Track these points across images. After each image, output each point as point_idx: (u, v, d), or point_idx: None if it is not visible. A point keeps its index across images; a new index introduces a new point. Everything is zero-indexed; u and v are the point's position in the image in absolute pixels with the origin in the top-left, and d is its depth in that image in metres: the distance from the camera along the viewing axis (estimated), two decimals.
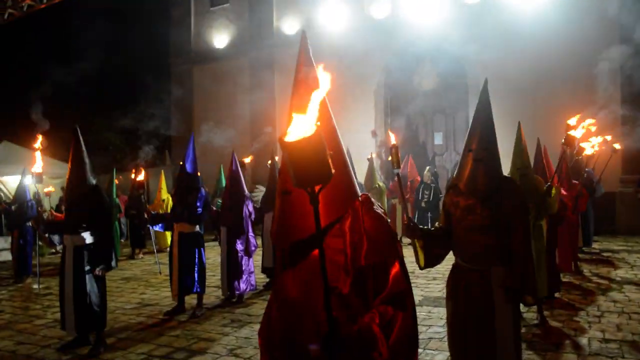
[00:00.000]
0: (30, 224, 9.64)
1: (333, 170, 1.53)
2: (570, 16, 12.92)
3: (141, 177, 7.57)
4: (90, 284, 5.28)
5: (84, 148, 5.53)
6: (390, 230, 1.90)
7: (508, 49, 13.36)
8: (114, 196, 11.94)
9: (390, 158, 3.14)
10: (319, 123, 1.52)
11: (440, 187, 12.58)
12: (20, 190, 10.14)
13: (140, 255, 12.53)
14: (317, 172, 1.49)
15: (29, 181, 10.24)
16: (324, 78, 1.76)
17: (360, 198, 1.93)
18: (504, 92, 10.96)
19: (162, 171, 13.30)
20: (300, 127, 1.51)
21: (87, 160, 5.51)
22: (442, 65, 14.63)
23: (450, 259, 3.58)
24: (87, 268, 5.26)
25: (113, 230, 5.52)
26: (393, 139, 3.06)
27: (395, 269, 1.84)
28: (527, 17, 13.24)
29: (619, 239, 12.03)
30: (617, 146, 9.70)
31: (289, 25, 17.63)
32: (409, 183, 12.35)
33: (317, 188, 1.53)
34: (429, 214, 11.74)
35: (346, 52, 13.77)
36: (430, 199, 11.91)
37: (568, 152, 9.60)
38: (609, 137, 9.30)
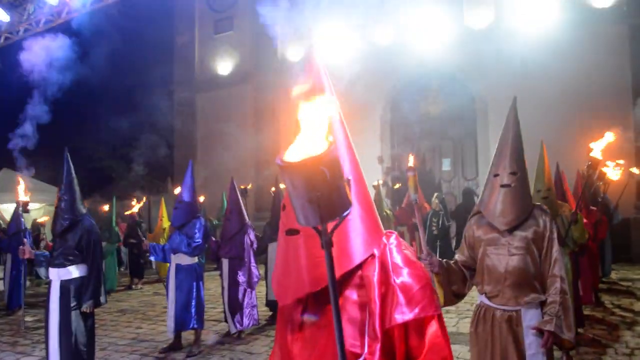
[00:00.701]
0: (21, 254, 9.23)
1: (351, 201, 1.17)
2: (578, 40, 12.68)
3: (135, 208, 7.21)
4: (76, 322, 4.87)
5: (74, 173, 5.18)
6: (427, 278, 1.51)
7: (516, 74, 13.09)
8: (113, 224, 11.62)
9: (408, 183, 2.77)
10: (331, 138, 1.14)
11: (448, 214, 12.23)
12: (16, 218, 9.78)
13: (139, 286, 12.10)
14: (330, 204, 1.11)
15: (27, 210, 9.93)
16: (332, 89, 1.40)
17: (385, 236, 1.54)
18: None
19: (163, 199, 12.92)
20: (306, 144, 1.14)
21: (76, 187, 5.15)
22: (449, 90, 14.41)
23: (471, 295, 3.19)
24: (73, 304, 4.86)
25: (102, 263, 5.09)
26: (411, 162, 2.69)
27: (433, 328, 1.45)
28: (534, 42, 13.03)
29: (636, 267, 11.55)
30: (636, 170, 9.32)
31: (292, 53, 17.49)
32: (415, 211, 11.93)
33: (330, 226, 1.15)
34: (438, 242, 11.31)
35: (351, 79, 13.50)
36: (439, 226, 11.52)
37: (592, 176, 9.26)
38: (621, 162, 8.91)
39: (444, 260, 3.18)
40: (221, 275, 7.41)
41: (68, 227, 4.99)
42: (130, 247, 12.17)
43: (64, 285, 4.91)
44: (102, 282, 5.02)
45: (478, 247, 3.15)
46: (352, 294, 1.44)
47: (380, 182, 12.89)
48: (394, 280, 1.44)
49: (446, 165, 15.67)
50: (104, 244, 11.15)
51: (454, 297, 3.14)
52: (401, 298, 1.41)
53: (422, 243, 3.11)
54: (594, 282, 7.78)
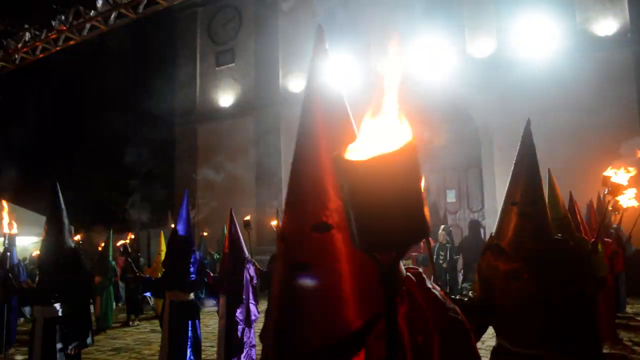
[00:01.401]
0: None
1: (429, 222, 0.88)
2: (583, 68, 12.56)
3: (121, 241, 6.93)
4: None
5: (63, 206, 4.93)
6: (463, 323, 1.24)
7: (520, 102, 12.90)
8: (110, 258, 11.30)
9: None
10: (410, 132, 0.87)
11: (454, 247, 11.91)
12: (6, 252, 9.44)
13: (136, 322, 11.69)
14: (412, 220, 0.82)
15: (15, 243, 9.62)
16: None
17: (410, 274, 1.25)
18: (517, 149, 10.38)
19: (162, 232, 12.60)
20: (378, 138, 0.86)
21: (65, 220, 4.89)
22: (453, 121, 14.22)
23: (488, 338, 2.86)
24: (59, 346, 4.52)
25: (90, 302, 4.77)
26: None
27: None
28: (538, 71, 12.92)
29: None
30: None
31: (294, 84, 17.42)
32: (422, 244, 11.62)
33: (394, 254, 0.85)
34: (447, 276, 10.96)
35: (354, 109, 13.33)
36: (447, 259, 11.17)
37: (590, 206, 8.96)
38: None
39: (457, 297, 2.87)
40: (219, 312, 7.04)
41: (55, 262, 4.70)
42: (128, 282, 11.80)
43: (49, 323, 4.59)
44: (89, 321, 4.68)
45: (495, 284, 2.84)
46: (377, 347, 1.13)
47: None
48: (427, 324, 1.17)
49: (451, 197, 15.38)
50: (99, 279, 10.84)
51: None
52: (439, 348, 1.16)
53: (434, 280, 2.79)
54: (611, 319, 7.40)
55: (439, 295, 1.22)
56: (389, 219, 0.79)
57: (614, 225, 8.75)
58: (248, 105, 18.25)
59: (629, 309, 10.00)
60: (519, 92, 12.99)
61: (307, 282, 1.14)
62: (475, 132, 14.40)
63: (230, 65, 19.16)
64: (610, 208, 8.19)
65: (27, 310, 4.94)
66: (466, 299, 2.94)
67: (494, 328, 2.84)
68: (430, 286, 1.23)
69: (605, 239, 7.62)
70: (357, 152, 0.83)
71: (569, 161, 11.96)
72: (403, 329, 1.13)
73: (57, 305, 4.58)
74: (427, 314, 1.16)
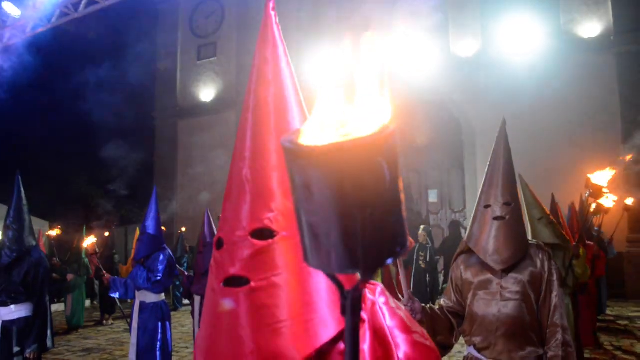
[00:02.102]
0: None
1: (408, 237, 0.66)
2: (566, 69, 12.56)
3: (89, 240, 6.67)
4: None
5: (24, 201, 4.65)
6: (431, 349, 1.05)
7: (503, 103, 12.83)
8: (83, 256, 10.96)
9: None
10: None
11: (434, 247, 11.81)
12: None
13: (110, 322, 11.38)
14: (383, 233, 0.60)
15: None
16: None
17: (368, 290, 1.06)
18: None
19: (137, 228, 12.28)
20: (345, 116, 0.64)
21: (27, 215, 4.62)
22: (436, 119, 14.13)
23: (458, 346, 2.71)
24: (15, 350, 4.26)
25: (48, 302, 4.50)
26: None
27: None
28: (523, 71, 12.89)
29: (631, 304, 11.12)
30: (630, 201, 8.97)
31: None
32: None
33: (361, 276, 0.64)
34: (427, 277, 10.80)
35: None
36: (427, 259, 11.00)
37: (572, 209, 8.89)
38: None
39: (428, 306, 2.72)
40: (192, 313, 6.80)
41: (14, 260, 4.43)
42: (101, 280, 11.47)
43: (6, 326, 4.32)
44: (49, 323, 4.43)
45: (467, 291, 2.72)
46: None
47: None
48: (398, 356, 0.98)
49: (433, 196, 15.27)
50: (72, 276, 10.52)
51: (440, 349, 2.66)
52: None
53: (404, 286, 2.62)
54: (592, 323, 7.32)
55: (404, 317, 1.03)
56: (357, 229, 0.58)
57: (596, 228, 8.69)
58: (230, 99, 17.97)
59: (609, 312, 9.98)
60: (502, 92, 12.93)
61: (241, 301, 0.94)
62: (458, 132, 14.31)
63: (212, 59, 18.84)
64: (592, 210, 8.14)
65: None
66: (437, 307, 2.80)
67: (464, 335, 2.72)
68: (394, 305, 1.04)
69: (587, 242, 7.53)
70: (317, 135, 0.61)
71: (551, 162, 11.95)
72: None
73: (16, 306, 4.31)
74: (388, 341, 0.96)
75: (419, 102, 14.03)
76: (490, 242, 2.61)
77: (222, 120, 17.87)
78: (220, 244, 0.99)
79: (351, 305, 0.64)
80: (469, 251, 2.78)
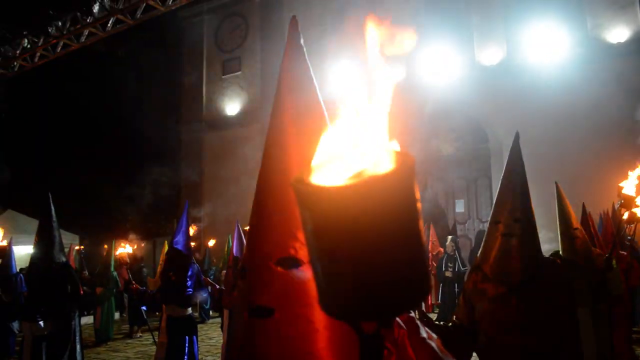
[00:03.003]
0: None
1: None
2: (594, 76, 12.31)
3: (122, 250, 6.73)
4: None
5: (54, 218, 4.74)
6: None
7: (530, 111, 12.68)
8: (112, 269, 11.11)
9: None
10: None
11: (464, 257, 11.64)
12: (6, 262, 9.28)
13: (139, 334, 11.47)
14: (401, 278, 0.57)
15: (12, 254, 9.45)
16: None
17: (398, 319, 1.02)
18: (528, 157, 10.11)
19: (166, 242, 12.41)
20: (358, 155, 0.62)
21: (56, 233, 4.70)
22: (462, 129, 14.01)
23: None
24: None
25: (77, 318, 4.55)
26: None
27: None
28: (549, 78, 12.68)
29: None
30: None
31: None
32: (431, 255, 11.36)
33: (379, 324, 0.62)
34: (456, 286, 10.66)
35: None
36: (456, 270, 10.86)
37: (606, 218, 8.69)
38: None
39: (442, 322, 2.66)
40: (222, 327, 6.82)
41: (44, 276, 4.51)
42: (130, 293, 11.59)
43: (36, 341, 4.39)
44: (79, 338, 4.47)
45: (480, 309, 2.65)
46: None
47: None
48: None
49: (459, 206, 15.09)
50: (101, 289, 10.66)
51: None
52: None
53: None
54: (628, 334, 7.09)
55: (435, 348, 0.99)
56: (374, 276, 0.55)
57: (629, 237, 8.45)
58: (254, 113, 18.11)
59: None
60: (528, 100, 12.75)
61: (269, 331, 0.92)
62: (484, 141, 14.16)
63: (236, 73, 19.05)
64: (624, 218, 7.94)
65: (15, 325, 4.71)
66: (450, 325, 2.73)
67: (478, 354, 2.64)
68: (425, 336, 1.01)
69: (620, 252, 7.34)
70: (329, 173, 0.58)
71: (582, 171, 11.69)
72: None
73: (42, 323, 4.38)
74: None
75: (444, 112, 13.94)
76: (498, 260, 2.57)
77: (247, 133, 18.01)
78: (244, 274, 0.98)
79: (368, 352, 0.62)
80: (480, 268, 2.73)
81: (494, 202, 2.77)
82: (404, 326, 0.98)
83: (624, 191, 4.72)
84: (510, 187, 2.68)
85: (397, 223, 0.55)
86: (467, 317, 2.71)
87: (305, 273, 0.89)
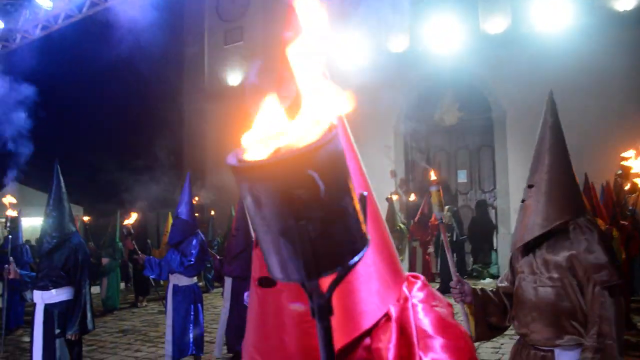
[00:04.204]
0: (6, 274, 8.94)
1: (368, 234, 0.69)
2: (600, 45, 12.18)
3: (129, 220, 6.83)
4: (60, 350, 4.45)
5: (64, 189, 4.80)
6: (472, 351, 1.01)
7: (534, 81, 12.57)
8: (117, 240, 11.26)
9: (432, 200, 2.35)
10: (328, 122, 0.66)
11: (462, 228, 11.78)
12: (15, 233, 9.38)
13: (144, 303, 11.68)
14: (327, 241, 0.62)
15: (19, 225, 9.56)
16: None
17: (407, 284, 1.03)
18: (531, 127, 10.10)
19: (170, 213, 12.52)
20: (285, 130, 0.67)
21: (66, 203, 4.77)
22: (465, 99, 13.94)
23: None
24: (57, 331, 4.43)
25: (88, 286, 4.65)
26: (433, 176, 2.26)
27: None
28: (553, 48, 12.53)
29: None
30: None
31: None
32: (431, 224, 11.44)
33: (329, 279, 0.66)
34: (455, 256, 10.79)
35: (363, 87, 13.03)
36: (454, 239, 10.93)
37: (624, 187, 8.72)
38: None
39: (480, 287, 2.72)
40: (223, 294, 6.94)
41: (55, 246, 4.60)
42: (135, 263, 11.77)
43: (48, 309, 4.51)
44: (89, 306, 4.58)
45: (518, 272, 2.70)
46: None
47: (395, 196, 12.39)
48: (421, 357, 0.95)
49: (462, 177, 15.11)
50: (107, 260, 10.82)
51: (490, 330, 2.67)
52: None
53: (452, 269, 2.63)
54: (626, 304, 7.21)
55: (443, 314, 0.99)
56: (296, 240, 0.61)
57: (630, 208, 8.51)
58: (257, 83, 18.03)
59: None
60: (533, 70, 12.65)
61: (277, 299, 0.96)
62: (487, 111, 14.09)
63: (238, 43, 18.88)
64: (626, 189, 7.99)
65: (27, 295, 4.81)
66: (492, 289, 2.80)
67: (512, 320, 2.70)
68: (435, 302, 1.01)
69: (622, 222, 7.41)
70: (259, 149, 0.64)
71: (586, 140, 11.65)
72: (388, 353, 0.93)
73: (56, 291, 4.48)
74: (418, 339, 0.94)
75: (447, 82, 13.86)
76: (526, 218, 2.62)
77: (250, 104, 17.96)
78: (257, 243, 1.01)
79: (318, 311, 0.66)
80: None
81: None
82: (408, 293, 1.01)
83: (623, 162, 4.76)
84: (545, 149, 2.70)
85: (311, 192, 0.60)
86: (510, 281, 2.76)
87: None
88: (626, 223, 7.34)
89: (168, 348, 5.88)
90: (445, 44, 13.89)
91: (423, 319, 0.98)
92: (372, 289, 0.96)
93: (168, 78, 19.73)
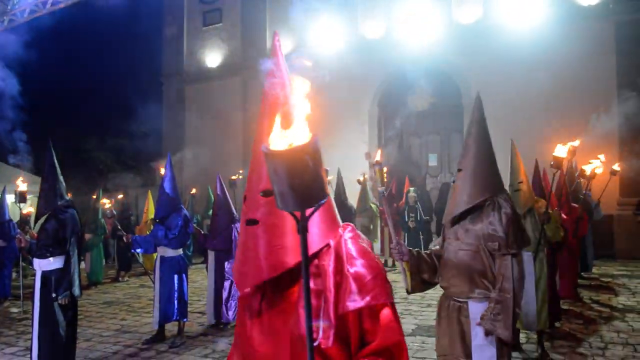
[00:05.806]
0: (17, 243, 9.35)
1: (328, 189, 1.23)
2: (566, 36, 12.82)
3: (107, 205, 7.27)
4: (59, 314, 4.90)
5: (56, 163, 5.19)
6: (380, 268, 1.57)
7: (504, 69, 13.21)
8: (100, 216, 11.60)
9: (375, 176, 2.86)
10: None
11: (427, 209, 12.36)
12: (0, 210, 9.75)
13: (126, 278, 12.09)
14: (310, 192, 1.17)
15: (10, 200, 9.92)
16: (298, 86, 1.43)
17: (342, 228, 1.60)
18: (499, 114, 10.69)
19: (150, 192, 12.90)
20: (290, 135, 1.21)
21: (59, 176, 5.15)
22: (437, 85, 14.47)
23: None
24: (54, 295, 4.89)
25: (80, 256, 5.09)
26: (378, 156, 2.78)
27: (386, 314, 1.51)
28: (522, 38, 13.12)
29: (618, 264, 11.72)
30: (617, 167, 9.45)
31: (282, 45, 17.42)
32: (396, 205, 11.98)
33: (308, 212, 1.20)
34: (421, 236, 11.37)
35: (339, 72, 13.53)
36: (418, 219, 11.50)
37: (560, 174, 9.37)
38: (602, 157, 8.93)
39: (416, 249, 3.26)
40: (207, 267, 7.46)
41: (48, 217, 5.02)
42: (118, 239, 12.14)
43: (45, 275, 4.94)
44: (77, 274, 5.00)
45: (446, 238, 3.27)
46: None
47: (367, 176, 12.95)
48: (348, 269, 1.50)
49: (432, 160, 15.77)
50: (89, 236, 11.18)
51: (423, 284, 3.22)
52: (354, 287, 1.48)
53: (392, 232, 3.19)
54: (573, 278, 7.90)
55: (364, 246, 1.56)
56: (297, 188, 1.15)
57: (584, 192, 9.15)
58: (235, 66, 18.30)
59: (595, 270, 10.54)
60: (502, 59, 13.25)
61: (257, 234, 1.50)
62: (458, 97, 14.69)
63: (217, 25, 19.08)
64: (577, 174, 8.66)
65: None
66: (426, 252, 3.34)
67: (439, 278, 3.24)
68: (359, 239, 1.58)
69: (573, 205, 8.05)
70: (277, 143, 1.19)
71: (547, 127, 12.31)
72: (327, 271, 1.49)
73: (52, 259, 4.91)
74: (347, 259, 1.51)
75: (419, 68, 14.36)
76: (455, 194, 3.23)
77: (228, 86, 18.24)
78: (245, 199, 1.55)
79: (302, 227, 1.19)
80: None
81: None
82: (342, 232, 1.57)
83: (554, 153, 5.37)
84: (472, 140, 3.24)
85: (306, 166, 1.14)
86: (440, 245, 3.31)
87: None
88: (577, 206, 7.98)
89: (155, 314, 6.40)
90: (419, 32, 14.40)
91: (351, 248, 1.55)
92: (319, 227, 1.53)
93: (147, 59, 19.87)
